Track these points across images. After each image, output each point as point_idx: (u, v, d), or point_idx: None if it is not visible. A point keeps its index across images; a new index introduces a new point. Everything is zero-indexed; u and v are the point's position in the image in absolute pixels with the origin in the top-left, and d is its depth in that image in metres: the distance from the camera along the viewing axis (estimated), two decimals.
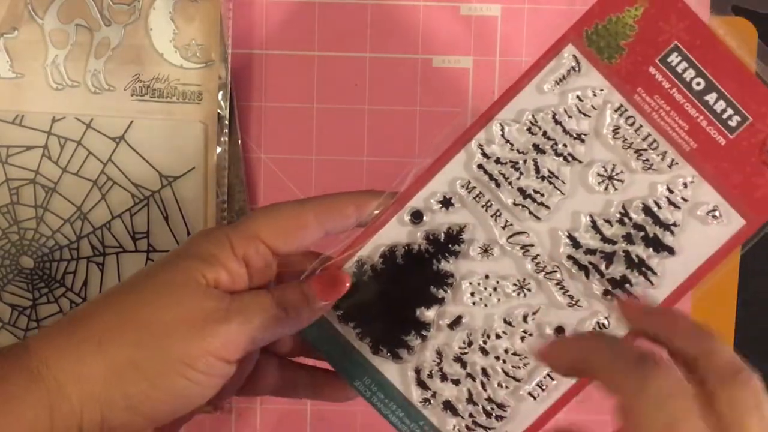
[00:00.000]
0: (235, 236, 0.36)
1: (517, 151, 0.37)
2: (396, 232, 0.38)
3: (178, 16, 0.51)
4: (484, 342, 0.38)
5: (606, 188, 0.37)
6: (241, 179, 0.52)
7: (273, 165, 0.53)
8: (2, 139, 0.51)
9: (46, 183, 0.51)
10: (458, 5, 0.52)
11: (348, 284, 0.37)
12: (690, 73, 0.36)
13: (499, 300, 0.38)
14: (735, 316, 0.53)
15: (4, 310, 0.52)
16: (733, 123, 0.36)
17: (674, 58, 0.36)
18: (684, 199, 0.37)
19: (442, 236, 0.37)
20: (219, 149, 0.51)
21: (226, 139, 0.51)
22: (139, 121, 0.51)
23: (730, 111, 0.36)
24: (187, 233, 0.51)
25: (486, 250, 0.37)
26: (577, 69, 0.36)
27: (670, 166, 0.36)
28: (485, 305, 0.38)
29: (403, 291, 0.38)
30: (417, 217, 0.37)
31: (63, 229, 0.52)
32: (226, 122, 0.51)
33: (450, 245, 0.37)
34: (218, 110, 0.51)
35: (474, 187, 0.37)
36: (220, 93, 0.51)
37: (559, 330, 0.38)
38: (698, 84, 0.36)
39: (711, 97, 0.36)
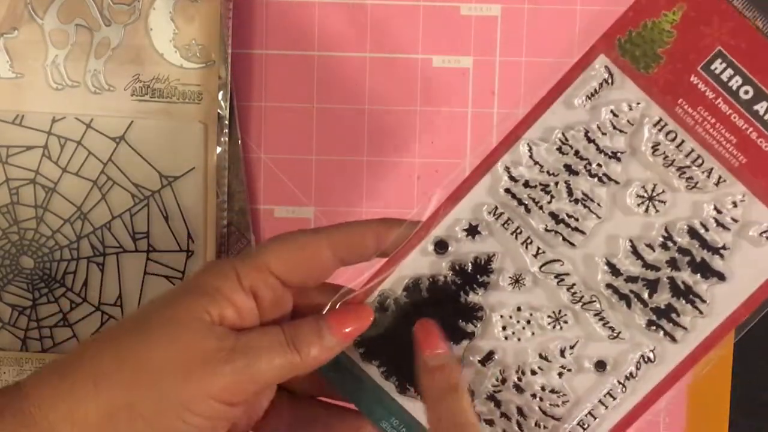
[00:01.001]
0: (242, 267, 0.34)
1: (547, 172, 0.34)
2: (419, 263, 0.35)
3: (178, 16, 0.51)
4: (519, 379, 0.35)
5: (646, 210, 0.34)
6: (241, 179, 0.52)
7: (273, 165, 0.53)
8: (2, 139, 0.51)
9: (46, 183, 0.51)
10: (458, 5, 0.52)
11: (371, 319, 0.35)
12: (736, 81, 0.33)
13: (533, 333, 0.35)
14: None
15: (4, 310, 0.52)
16: None
17: (718, 65, 0.33)
18: (734, 220, 0.33)
19: (470, 266, 0.35)
20: (219, 149, 0.51)
21: (226, 139, 0.51)
22: (139, 121, 0.51)
23: None
24: (187, 233, 0.51)
25: (517, 281, 0.35)
26: (610, 81, 0.33)
27: (717, 184, 0.33)
28: (518, 339, 0.35)
29: None
30: (441, 247, 0.35)
31: (63, 229, 0.52)
32: (226, 122, 0.51)
33: (478, 276, 0.35)
34: (218, 110, 0.51)
35: (502, 213, 0.35)
36: (220, 93, 0.51)
37: (600, 365, 0.35)
38: (746, 92, 0.33)
39: (761, 107, 0.33)
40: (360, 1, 0.52)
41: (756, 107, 0.33)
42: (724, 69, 0.33)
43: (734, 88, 0.33)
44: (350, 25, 0.52)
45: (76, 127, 0.51)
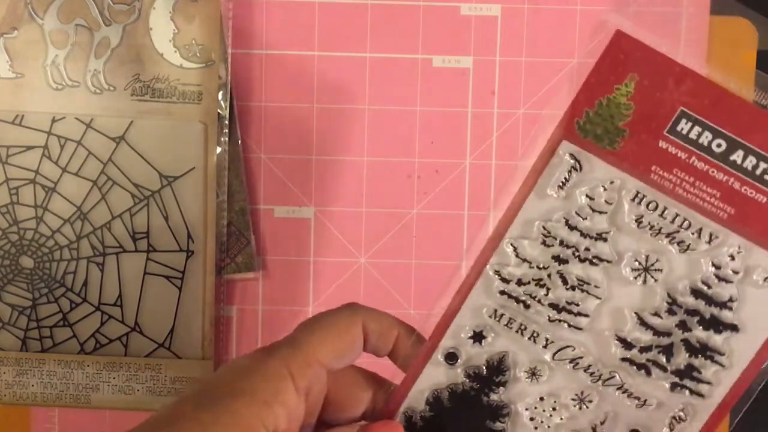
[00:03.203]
0: (295, 366, 0.32)
1: (538, 267, 0.34)
2: (434, 375, 0.35)
3: (178, 16, 0.51)
4: None
5: (644, 281, 0.34)
6: (241, 179, 0.52)
7: (273, 165, 0.53)
8: (2, 139, 0.51)
9: (46, 183, 0.51)
10: (458, 5, 0.52)
11: None
12: (706, 137, 0.32)
13: (562, 418, 0.35)
14: None
15: (4, 310, 0.52)
16: None
17: (684, 126, 0.32)
18: (734, 272, 0.33)
19: (484, 370, 0.35)
20: (219, 149, 0.51)
21: (226, 139, 0.51)
22: (139, 121, 0.51)
23: (763, 165, 0.32)
24: (187, 233, 0.51)
25: (534, 373, 0.35)
26: (578, 168, 0.33)
27: (709, 242, 0.33)
28: (548, 426, 0.35)
29: None
30: (452, 358, 0.35)
31: (63, 229, 0.52)
32: (226, 122, 0.51)
33: (494, 377, 0.35)
34: (218, 110, 0.51)
35: (503, 314, 0.35)
36: (220, 93, 0.51)
37: None
38: (719, 146, 0.32)
39: (737, 156, 0.32)
40: (360, 1, 0.52)
41: (733, 157, 0.32)
42: (691, 128, 0.32)
43: (705, 143, 0.32)
44: (350, 25, 0.52)
45: (76, 127, 0.51)
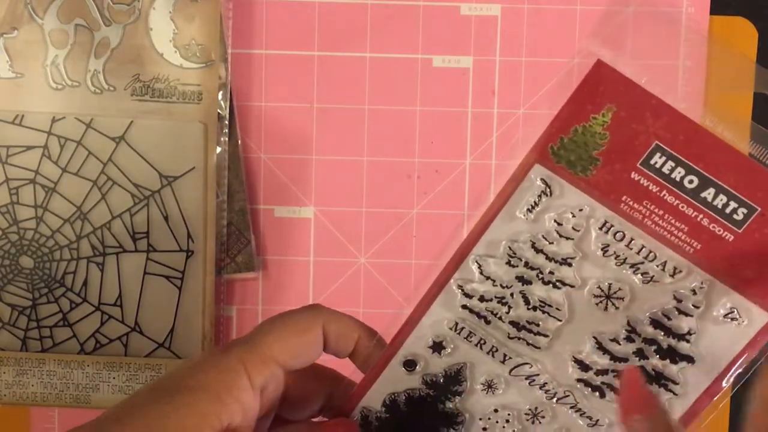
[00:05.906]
0: (251, 363, 0.32)
1: (501, 285, 0.34)
2: (392, 380, 0.36)
3: (178, 16, 0.51)
4: None
5: (606, 308, 0.34)
6: (241, 179, 0.52)
7: (273, 165, 0.53)
8: (2, 139, 0.51)
9: (46, 183, 0.51)
10: (458, 5, 0.52)
11: None
12: (679, 172, 0.32)
13: (514, 431, 0.36)
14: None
15: (4, 310, 0.52)
16: (739, 216, 0.32)
17: (658, 159, 0.32)
18: (696, 306, 0.33)
19: (441, 379, 0.36)
20: (219, 149, 0.51)
21: (226, 139, 0.51)
22: (139, 121, 0.51)
23: (733, 204, 0.32)
24: (187, 233, 0.51)
25: (490, 386, 0.35)
26: (548, 193, 0.33)
27: (673, 275, 0.33)
28: None
29: None
30: (410, 365, 0.36)
31: (63, 229, 0.52)
32: (226, 122, 0.51)
33: (451, 386, 0.36)
34: (218, 110, 0.51)
35: (463, 328, 0.35)
36: (220, 93, 0.51)
37: None
38: (691, 182, 0.32)
39: (708, 193, 0.32)
40: (360, 1, 0.52)
41: (703, 194, 0.32)
42: (665, 162, 0.32)
43: (677, 179, 0.33)
44: (350, 25, 0.52)
45: (76, 127, 0.51)
